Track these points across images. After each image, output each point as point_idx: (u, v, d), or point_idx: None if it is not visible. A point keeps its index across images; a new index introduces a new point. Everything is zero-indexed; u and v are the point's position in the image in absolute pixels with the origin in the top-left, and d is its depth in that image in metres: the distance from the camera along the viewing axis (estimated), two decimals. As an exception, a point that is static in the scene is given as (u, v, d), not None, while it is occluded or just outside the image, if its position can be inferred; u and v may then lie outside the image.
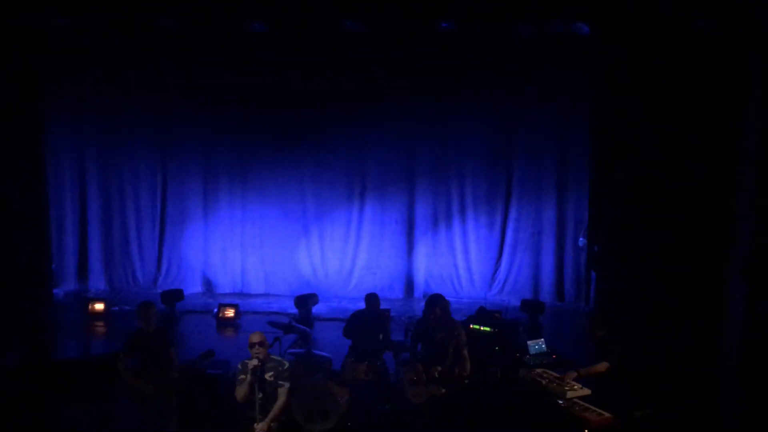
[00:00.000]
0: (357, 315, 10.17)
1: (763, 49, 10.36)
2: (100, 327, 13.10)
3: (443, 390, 8.58)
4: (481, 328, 10.56)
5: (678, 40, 11.63)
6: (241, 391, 7.59)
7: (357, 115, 14.31)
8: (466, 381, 8.73)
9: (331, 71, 13.99)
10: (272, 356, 7.81)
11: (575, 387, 8.05)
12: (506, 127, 14.37)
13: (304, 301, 13.20)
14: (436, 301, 8.99)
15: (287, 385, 7.68)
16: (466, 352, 8.74)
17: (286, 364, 7.81)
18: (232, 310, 13.27)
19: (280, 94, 14.20)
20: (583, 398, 7.95)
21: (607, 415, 7.65)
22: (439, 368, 8.59)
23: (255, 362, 7.55)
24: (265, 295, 14.76)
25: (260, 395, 7.51)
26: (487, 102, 14.24)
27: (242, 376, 7.59)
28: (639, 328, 11.03)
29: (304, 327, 10.76)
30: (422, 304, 12.85)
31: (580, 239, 13.88)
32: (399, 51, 13.63)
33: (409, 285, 14.83)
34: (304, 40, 13.44)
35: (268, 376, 7.61)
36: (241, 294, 14.74)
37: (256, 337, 7.64)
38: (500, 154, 14.47)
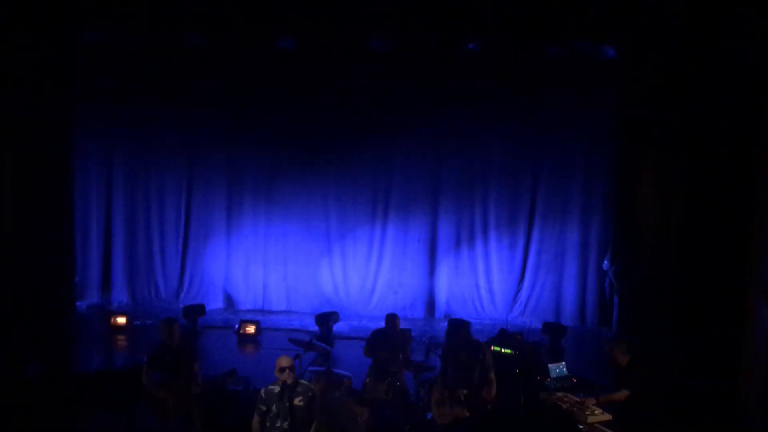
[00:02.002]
0: (377, 334, 10.14)
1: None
2: (122, 340, 13.15)
3: (467, 413, 8.54)
4: (502, 350, 10.51)
5: (706, 64, 11.58)
6: (256, 423, 7.18)
7: (382, 133, 14.35)
8: (490, 406, 8.69)
9: (357, 90, 14.10)
10: (302, 381, 7.37)
11: (596, 412, 7.99)
12: (531, 148, 14.35)
13: (325, 319, 13.19)
14: (459, 326, 8.97)
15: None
16: (492, 375, 8.69)
17: (315, 390, 7.39)
18: (253, 327, 13.26)
19: (306, 111, 14.28)
20: (604, 423, 7.89)
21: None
22: (465, 391, 8.55)
23: (277, 388, 7.17)
24: (287, 312, 14.77)
25: (287, 422, 7.09)
26: (513, 122, 14.24)
27: (261, 406, 7.17)
28: (663, 354, 10.93)
29: (325, 345, 10.75)
30: (444, 324, 12.94)
31: (605, 263, 13.78)
32: (426, 70, 13.74)
33: (431, 305, 14.79)
34: (331, 58, 13.57)
35: (297, 401, 7.16)
36: (263, 310, 14.76)
37: (285, 361, 7.18)
38: (524, 174, 14.43)
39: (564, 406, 8.18)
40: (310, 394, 7.26)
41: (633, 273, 12.74)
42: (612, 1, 11.47)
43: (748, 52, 11.04)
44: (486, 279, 14.68)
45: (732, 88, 11.41)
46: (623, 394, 8.13)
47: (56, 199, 13.15)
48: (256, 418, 7.20)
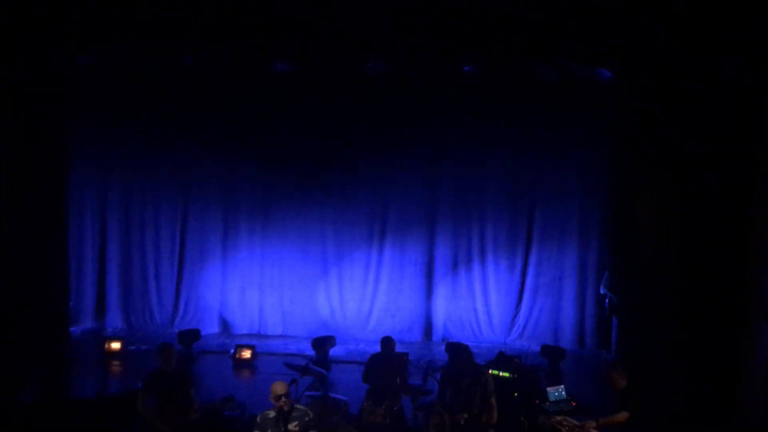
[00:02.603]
0: (374, 358, 10.08)
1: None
2: (116, 366, 13.05)
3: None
4: (501, 374, 10.43)
5: (701, 87, 11.61)
6: None
7: (379, 156, 14.35)
8: (491, 430, 8.62)
9: (354, 112, 14.12)
10: (297, 406, 7.41)
11: (596, 435, 7.93)
12: (528, 170, 14.34)
13: (322, 343, 13.10)
14: (461, 350, 8.91)
15: None
16: (494, 401, 8.64)
17: (311, 414, 7.43)
18: (249, 351, 13.18)
19: (302, 134, 14.30)
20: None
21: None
22: (465, 415, 8.48)
23: (273, 413, 7.21)
24: (283, 336, 14.68)
25: None
26: (509, 144, 14.25)
27: None
28: (662, 377, 10.86)
29: (321, 369, 10.68)
30: (441, 347, 12.87)
31: (601, 287, 13.73)
32: (422, 93, 13.77)
33: (428, 328, 14.71)
34: (327, 81, 13.60)
35: (292, 426, 7.21)
36: (259, 335, 14.67)
37: (280, 388, 7.22)
38: (522, 197, 14.41)
39: (563, 430, 8.12)
40: (306, 418, 7.24)
41: (631, 295, 12.69)
42: (607, 23, 11.49)
43: (744, 75, 11.08)
44: (484, 302, 14.61)
45: (728, 111, 11.44)
46: (623, 416, 8.07)
47: (51, 223, 13.05)
48: None
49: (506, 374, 10.43)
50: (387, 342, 10.09)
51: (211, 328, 14.68)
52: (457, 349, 9.00)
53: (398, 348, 10.68)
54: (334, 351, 13.35)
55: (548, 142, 14.13)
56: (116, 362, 13.14)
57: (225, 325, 14.89)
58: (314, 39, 12.07)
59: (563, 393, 9.44)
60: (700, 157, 11.71)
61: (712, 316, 11.47)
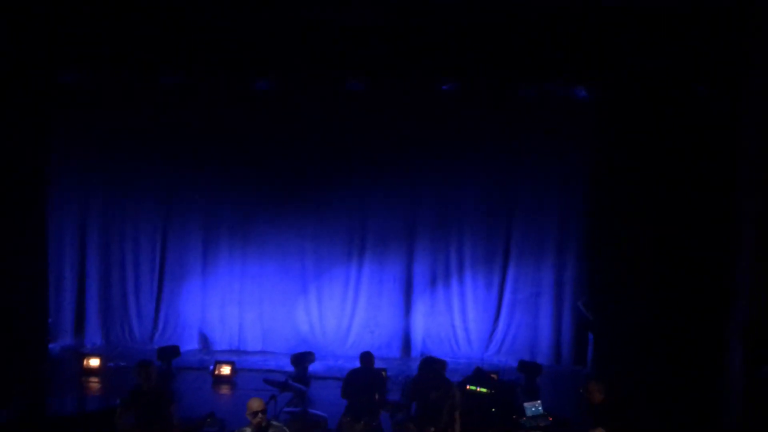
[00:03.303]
0: (353, 374, 10.11)
1: (761, 114, 10.53)
2: (95, 383, 13.00)
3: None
4: (478, 389, 10.51)
5: (676, 104, 11.80)
6: None
7: (358, 173, 14.38)
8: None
9: (333, 129, 14.15)
10: (274, 423, 7.40)
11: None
12: (506, 187, 14.42)
13: (301, 359, 13.10)
14: (431, 364, 8.96)
15: None
16: (458, 415, 8.69)
17: (288, 431, 7.43)
18: (229, 368, 13.18)
19: (282, 151, 14.33)
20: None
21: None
22: (433, 429, 8.53)
23: (249, 430, 7.23)
24: (262, 352, 14.65)
25: None
26: (488, 162, 14.32)
27: None
28: (638, 393, 10.96)
29: (300, 385, 10.70)
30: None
31: (579, 303, 13.84)
32: (401, 111, 13.84)
33: (407, 344, 14.74)
34: (307, 98, 13.67)
35: None
36: (238, 351, 14.63)
37: (256, 404, 7.22)
38: (500, 214, 14.47)
39: (540, 446, 8.18)
40: None
41: (607, 311, 12.81)
42: (584, 44, 11.65)
43: (717, 93, 11.28)
44: (462, 318, 14.66)
45: (703, 128, 11.63)
46: (599, 431, 8.14)
47: (30, 240, 13.04)
48: None
49: (484, 390, 10.51)
50: (366, 357, 10.13)
51: (190, 344, 14.64)
52: (430, 363, 9.04)
53: (377, 364, 10.72)
54: (314, 367, 13.35)
55: (526, 160, 14.22)
56: (95, 379, 13.10)
57: (205, 341, 14.85)
58: (294, 58, 12.17)
59: (540, 408, 9.49)
60: (676, 174, 11.90)
61: (689, 331, 11.63)
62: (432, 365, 8.98)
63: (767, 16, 10.48)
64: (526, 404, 9.52)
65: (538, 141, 14.05)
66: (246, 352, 14.60)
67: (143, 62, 12.38)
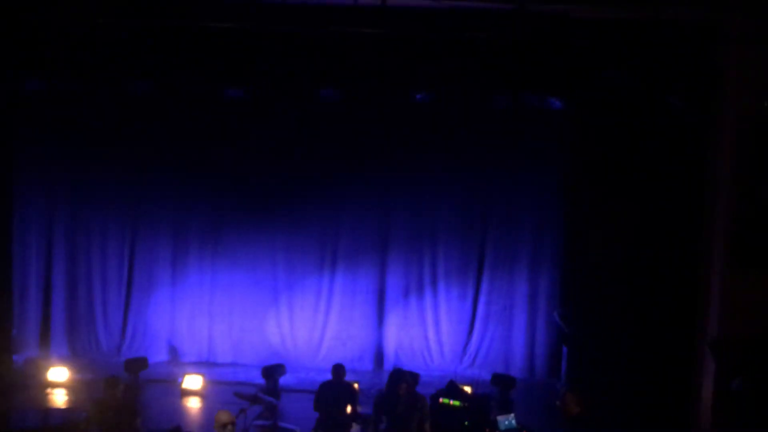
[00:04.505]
0: (325, 386, 10.00)
1: (733, 125, 10.60)
2: (60, 395, 12.76)
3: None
4: (451, 403, 10.41)
5: (649, 116, 11.85)
6: None
7: (330, 183, 14.28)
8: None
9: (305, 140, 14.07)
10: None
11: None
12: (480, 198, 14.39)
13: (272, 371, 12.95)
14: (400, 377, 8.87)
15: None
16: (428, 426, 8.62)
17: None
18: (198, 380, 12.99)
19: (253, 160, 14.20)
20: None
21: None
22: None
23: None
24: (232, 364, 14.47)
25: None
26: (461, 174, 14.28)
27: None
28: (612, 404, 10.95)
29: (271, 398, 10.56)
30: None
31: (555, 315, 13.82)
32: (374, 121, 13.80)
33: (379, 357, 14.63)
34: (278, 108, 13.58)
35: None
36: (208, 363, 14.43)
37: (224, 417, 7.23)
38: (474, 225, 14.42)
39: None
40: None
41: (581, 324, 12.80)
42: (557, 56, 11.66)
43: (689, 104, 11.34)
44: (435, 330, 14.58)
45: (676, 139, 11.69)
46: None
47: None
48: None
49: (457, 403, 10.41)
50: (338, 370, 10.02)
51: (159, 355, 14.43)
52: (398, 375, 8.95)
53: (349, 377, 10.60)
54: (285, 379, 13.21)
55: (500, 171, 14.22)
56: (60, 392, 12.86)
57: (174, 352, 14.64)
58: (266, 67, 12.07)
59: (513, 422, 9.45)
60: (649, 186, 11.95)
61: (661, 344, 11.65)
62: (400, 377, 8.86)
63: (739, 27, 10.56)
64: (499, 417, 9.49)
65: (512, 152, 14.07)
66: (216, 364, 14.41)
67: (111, 70, 12.22)
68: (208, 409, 11.79)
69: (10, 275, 13.53)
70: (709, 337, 10.73)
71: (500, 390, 12.84)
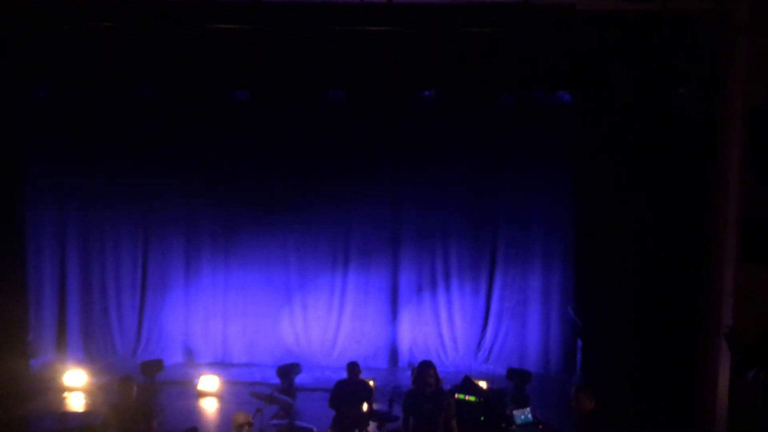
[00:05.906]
0: (340, 384, 10.02)
1: (742, 116, 10.56)
2: (77, 399, 12.82)
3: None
4: (467, 398, 10.43)
5: (657, 109, 11.81)
6: None
7: (342, 182, 14.29)
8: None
9: (314, 140, 14.07)
10: None
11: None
12: (491, 194, 14.38)
13: (287, 371, 12.99)
14: (429, 364, 8.81)
15: None
16: (454, 423, 8.61)
17: None
18: (214, 381, 13.03)
19: (263, 161, 14.22)
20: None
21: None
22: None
23: None
24: (247, 364, 14.50)
25: None
26: (472, 169, 14.27)
27: None
28: (626, 399, 10.93)
29: (287, 398, 10.60)
30: (407, 373, 12.81)
31: (569, 309, 13.80)
32: (383, 120, 13.80)
33: (394, 354, 14.64)
34: (288, 108, 13.59)
35: None
36: (223, 364, 14.46)
37: (242, 417, 7.27)
38: (485, 221, 14.42)
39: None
40: None
41: (594, 319, 12.78)
42: (566, 50, 11.62)
43: (697, 100, 11.30)
44: (449, 326, 14.58)
45: (685, 135, 11.65)
46: (589, 439, 8.07)
47: (8, 256, 12.91)
48: None
49: (472, 398, 10.43)
50: (352, 368, 10.06)
51: (174, 357, 14.47)
52: (427, 363, 8.92)
53: (364, 374, 10.64)
54: (300, 379, 13.24)
55: (511, 167, 14.19)
56: (77, 395, 12.92)
57: (189, 354, 14.67)
58: (273, 67, 12.07)
59: (530, 416, 9.45)
60: (660, 179, 11.91)
61: (675, 336, 11.62)
62: (429, 364, 8.77)
63: (746, 17, 10.52)
64: (515, 412, 9.49)
65: (522, 148, 14.04)
66: (231, 365, 14.43)
67: (119, 75, 12.25)
68: (224, 410, 11.83)
69: (25, 281, 13.60)
70: (725, 328, 10.70)
71: (515, 385, 12.85)
